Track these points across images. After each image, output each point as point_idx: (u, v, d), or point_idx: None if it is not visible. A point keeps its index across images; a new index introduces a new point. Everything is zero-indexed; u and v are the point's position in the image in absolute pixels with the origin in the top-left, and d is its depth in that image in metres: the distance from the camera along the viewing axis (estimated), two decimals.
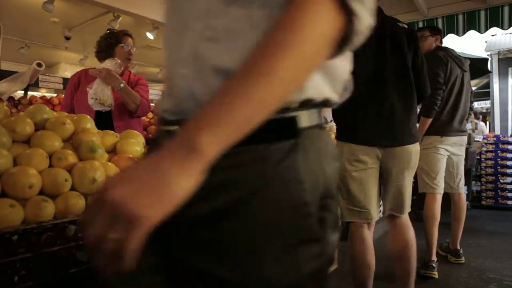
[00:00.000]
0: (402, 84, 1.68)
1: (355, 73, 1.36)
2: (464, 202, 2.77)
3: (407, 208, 1.78)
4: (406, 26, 1.75)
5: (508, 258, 2.77)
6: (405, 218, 1.80)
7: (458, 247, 2.72)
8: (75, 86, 2.26)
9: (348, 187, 1.70)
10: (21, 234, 0.77)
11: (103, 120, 2.11)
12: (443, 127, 2.55)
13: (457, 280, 2.37)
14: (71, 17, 6.16)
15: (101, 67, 2.18)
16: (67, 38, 6.85)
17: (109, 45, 2.24)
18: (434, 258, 2.52)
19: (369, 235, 1.73)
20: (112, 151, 1.26)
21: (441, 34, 2.77)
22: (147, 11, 5.24)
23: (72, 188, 0.98)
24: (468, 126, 3.07)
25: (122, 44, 2.24)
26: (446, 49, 2.63)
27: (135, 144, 1.28)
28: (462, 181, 2.77)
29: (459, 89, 2.58)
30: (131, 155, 1.23)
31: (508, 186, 4.61)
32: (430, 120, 2.48)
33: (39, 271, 0.80)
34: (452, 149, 2.62)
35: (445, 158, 2.60)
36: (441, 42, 2.75)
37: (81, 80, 2.27)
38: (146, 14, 5.24)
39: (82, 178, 0.98)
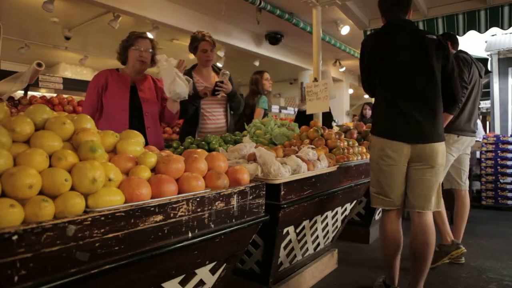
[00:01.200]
0: (431, 89, 1.90)
1: (389, 77, 1.69)
2: (468, 199, 2.82)
3: (433, 206, 1.91)
4: (434, 37, 1.94)
5: (508, 258, 2.78)
6: (429, 217, 1.92)
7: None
8: (103, 87, 2.25)
9: (378, 178, 1.96)
10: (21, 234, 0.77)
11: (136, 121, 2.24)
12: (462, 126, 2.63)
13: (457, 280, 2.37)
14: (71, 17, 6.15)
15: (162, 60, 2.20)
16: (67, 38, 6.84)
17: (124, 47, 2.28)
18: (452, 238, 2.64)
19: (397, 219, 1.96)
20: (112, 151, 1.26)
21: (454, 41, 2.87)
22: (147, 11, 5.24)
23: (72, 188, 0.97)
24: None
25: (134, 47, 2.26)
26: (467, 53, 2.72)
27: (135, 144, 1.28)
28: (467, 179, 2.87)
29: (477, 92, 2.70)
30: (131, 155, 1.23)
31: (508, 186, 4.61)
32: (451, 117, 2.48)
33: (39, 271, 0.81)
34: (463, 148, 2.72)
35: (454, 159, 2.69)
36: (454, 49, 2.83)
37: (109, 80, 2.27)
38: (146, 14, 5.24)
39: (82, 178, 0.98)
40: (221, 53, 7.31)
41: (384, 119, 1.95)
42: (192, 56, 2.96)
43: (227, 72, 2.74)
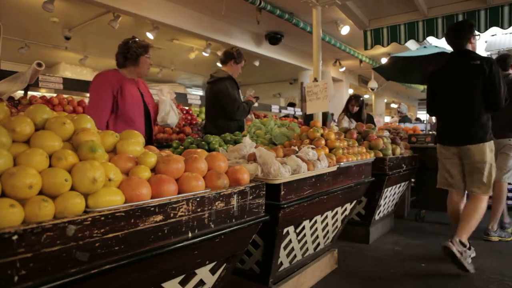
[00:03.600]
0: (469, 104, 2.57)
1: (441, 99, 2.79)
2: (502, 190, 3.25)
3: (482, 189, 2.58)
4: (478, 62, 2.52)
5: (508, 258, 2.78)
6: (478, 196, 2.59)
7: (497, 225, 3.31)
8: (118, 90, 2.33)
9: (439, 167, 2.83)
10: (21, 234, 0.77)
11: (147, 124, 2.53)
12: (496, 130, 2.95)
13: (457, 280, 2.37)
14: (71, 17, 6.15)
15: (165, 91, 2.61)
16: (67, 38, 6.84)
17: (136, 54, 2.41)
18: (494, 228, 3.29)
19: (456, 198, 2.76)
20: (112, 151, 1.26)
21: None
22: (147, 11, 5.24)
23: (72, 188, 0.97)
24: None
25: (147, 55, 2.45)
26: None
27: (135, 144, 1.28)
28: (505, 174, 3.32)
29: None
30: (131, 155, 1.23)
31: (508, 186, 4.60)
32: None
33: (39, 271, 0.81)
34: (500, 148, 3.21)
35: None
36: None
37: (122, 84, 2.36)
38: (146, 14, 5.24)
39: (82, 178, 0.98)
40: (221, 53, 7.30)
41: (439, 130, 2.83)
42: (192, 55, 3.05)
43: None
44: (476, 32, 2.70)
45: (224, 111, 3.07)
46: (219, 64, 7.87)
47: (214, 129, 3.06)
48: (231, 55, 3.18)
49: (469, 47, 2.64)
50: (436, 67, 2.81)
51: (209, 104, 3.24)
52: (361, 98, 4.87)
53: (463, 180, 2.71)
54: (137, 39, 2.47)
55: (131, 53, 2.39)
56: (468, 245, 2.53)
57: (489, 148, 2.57)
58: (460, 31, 2.63)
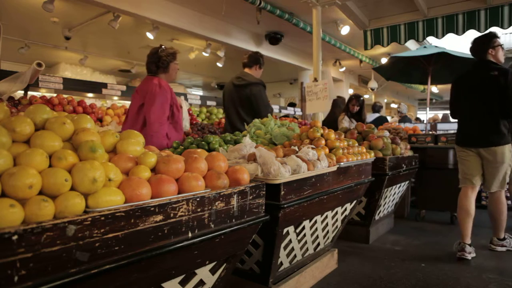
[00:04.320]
0: (483, 112, 2.79)
1: (460, 103, 3.07)
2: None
3: (497, 187, 2.84)
4: (496, 73, 2.72)
5: (509, 258, 2.78)
6: (495, 194, 2.88)
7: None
8: (173, 100, 2.55)
9: (460, 166, 2.97)
10: (21, 234, 0.77)
11: None
12: None
13: (457, 280, 2.37)
14: (71, 17, 6.15)
15: (183, 102, 2.90)
16: (67, 38, 6.84)
17: (166, 61, 2.60)
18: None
19: (471, 193, 2.87)
20: (112, 151, 1.26)
21: None
22: (147, 11, 5.24)
23: (72, 188, 0.98)
24: None
25: (176, 61, 2.66)
26: None
27: (135, 144, 1.28)
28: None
29: None
30: (131, 155, 1.23)
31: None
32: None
33: (39, 271, 0.81)
34: None
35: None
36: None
37: (173, 94, 2.58)
38: (146, 14, 5.24)
39: (82, 178, 0.98)
40: (221, 53, 7.30)
41: (459, 133, 3.00)
42: (192, 55, 3.13)
43: None
44: (498, 42, 2.83)
45: (256, 114, 3.21)
46: (219, 64, 7.88)
47: (244, 128, 3.20)
48: (257, 60, 3.28)
49: (490, 57, 2.83)
50: (459, 73, 3.05)
51: (237, 105, 3.29)
52: (362, 98, 4.87)
53: (480, 178, 2.87)
54: (164, 47, 2.62)
55: (162, 61, 2.57)
56: (505, 236, 2.94)
57: (508, 149, 2.77)
58: (480, 44, 2.87)
